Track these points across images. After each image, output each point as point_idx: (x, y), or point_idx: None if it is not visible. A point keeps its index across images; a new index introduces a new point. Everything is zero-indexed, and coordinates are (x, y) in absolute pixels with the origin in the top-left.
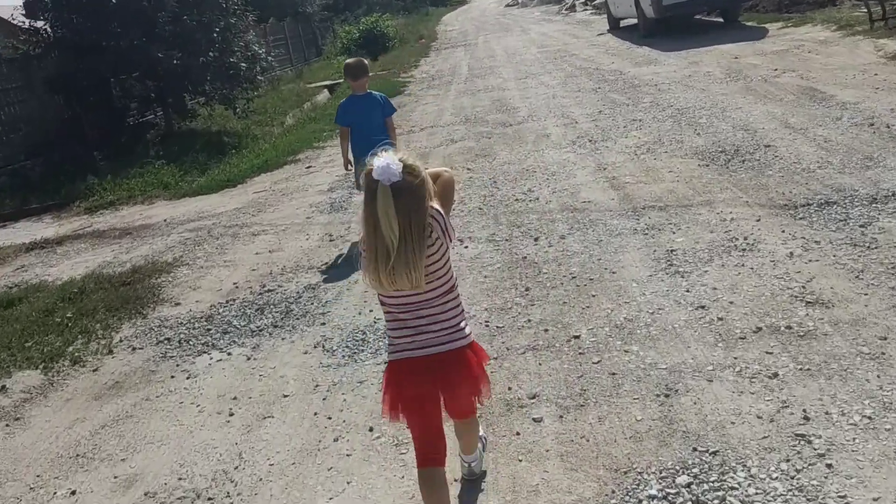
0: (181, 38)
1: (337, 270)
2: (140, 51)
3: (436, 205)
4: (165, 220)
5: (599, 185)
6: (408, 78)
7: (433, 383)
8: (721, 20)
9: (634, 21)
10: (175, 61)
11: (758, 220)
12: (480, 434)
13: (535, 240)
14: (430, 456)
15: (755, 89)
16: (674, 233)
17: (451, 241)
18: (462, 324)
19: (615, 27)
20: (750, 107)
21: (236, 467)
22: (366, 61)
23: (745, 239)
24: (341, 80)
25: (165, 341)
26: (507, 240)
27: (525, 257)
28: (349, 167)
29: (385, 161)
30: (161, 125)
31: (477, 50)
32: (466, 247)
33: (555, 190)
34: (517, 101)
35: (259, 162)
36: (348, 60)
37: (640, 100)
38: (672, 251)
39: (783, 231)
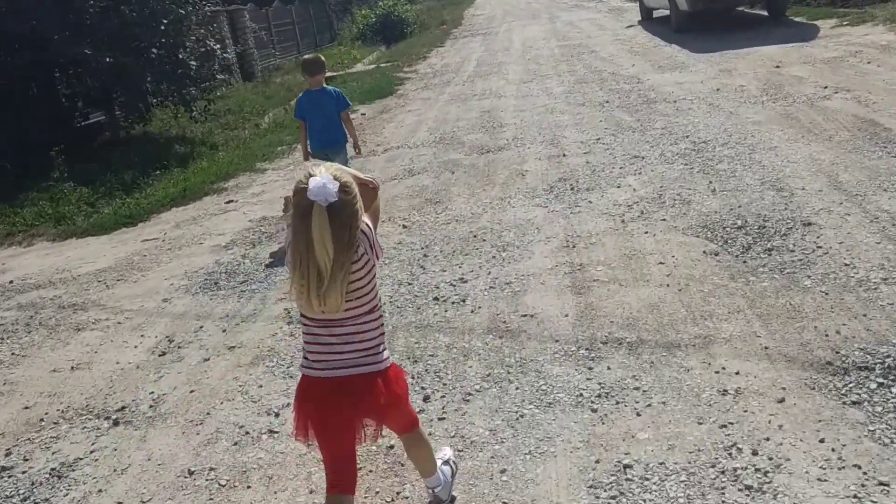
0: (117, 32)
1: (118, 433)
2: (63, 47)
3: (366, 219)
4: (10, 283)
5: (557, 279)
6: (409, 73)
7: (340, 408)
8: (765, 13)
9: (667, 13)
10: (108, 59)
11: (780, 402)
12: (448, 458)
13: (425, 400)
14: (336, 483)
15: (797, 117)
16: (638, 413)
17: (378, 258)
18: (380, 347)
19: (647, 18)
20: (788, 147)
21: None
22: (323, 58)
23: (755, 453)
24: (341, 72)
25: None
26: None
27: (392, 446)
28: (309, 159)
29: (321, 181)
30: (107, 129)
31: (495, 41)
32: None
33: (495, 282)
34: (509, 114)
35: (177, 191)
36: (306, 56)
37: (651, 124)
38: (626, 467)
39: (822, 440)
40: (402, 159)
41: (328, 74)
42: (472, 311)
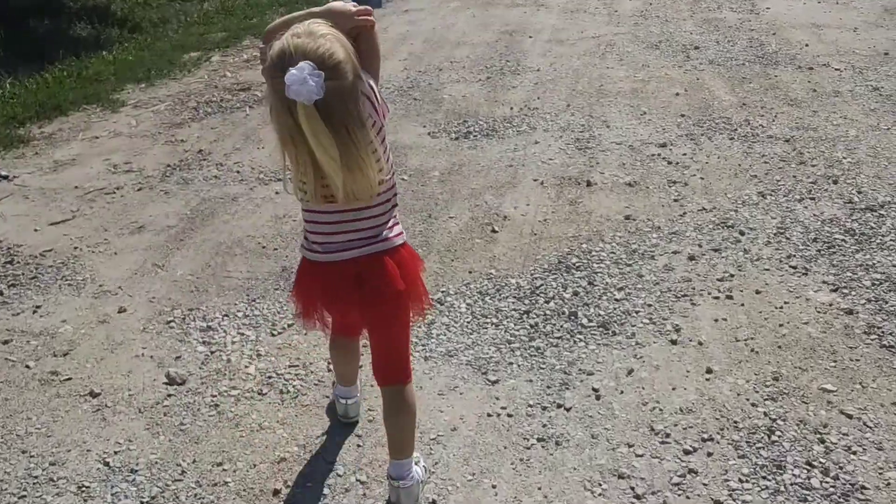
0: None
1: None
2: None
3: (366, 77)
4: None
5: None
6: None
7: (347, 294)
8: None
9: None
10: None
11: None
12: (420, 461)
13: None
14: (340, 330)
15: None
16: None
17: (384, 118)
18: (391, 223)
19: None
20: None
21: None
22: None
23: None
24: None
25: None
26: None
27: None
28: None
29: (301, 76)
30: None
31: None
32: None
33: None
34: (538, 47)
35: None
36: None
37: (769, 120)
38: None
39: None
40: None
41: None
42: None
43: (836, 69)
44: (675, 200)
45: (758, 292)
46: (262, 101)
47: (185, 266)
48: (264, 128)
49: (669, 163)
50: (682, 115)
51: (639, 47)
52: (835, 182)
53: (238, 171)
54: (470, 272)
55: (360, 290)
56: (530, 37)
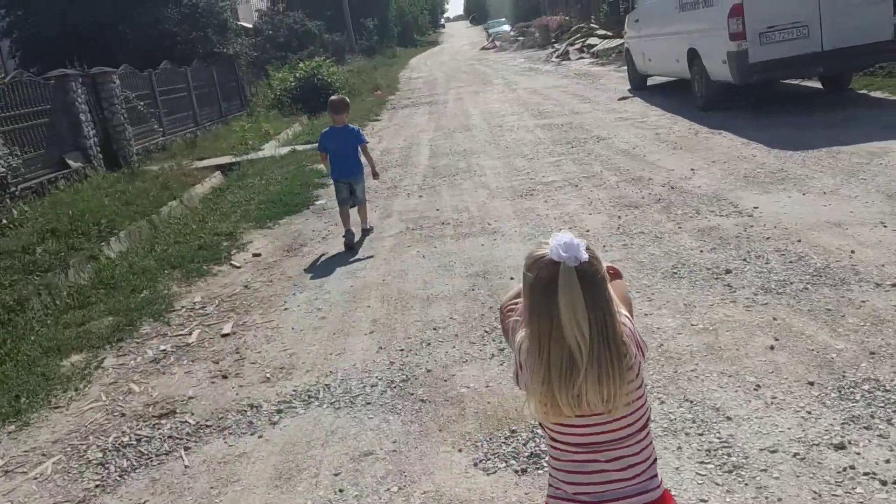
0: None
1: None
2: None
3: (624, 311)
4: None
5: None
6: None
7: None
8: (817, 86)
9: (669, 79)
10: None
11: None
12: None
13: None
14: None
15: None
16: None
17: (643, 358)
18: (655, 468)
19: (640, 87)
20: None
21: None
22: (347, 100)
23: None
24: (241, 156)
25: None
26: None
27: None
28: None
29: (567, 237)
30: None
31: (446, 112)
32: None
33: None
34: None
35: None
36: (332, 97)
37: None
38: None
39: None
40: None
41: (233, 160)
42: None
43: None
44: None
45: None
46: (276, 417)
47: None
48: (223, 491)
49: (883, 482)
50: (810, 383)
51: (655, 278)
52: None
53: None
54: None
55: None
56: (511, 278)
